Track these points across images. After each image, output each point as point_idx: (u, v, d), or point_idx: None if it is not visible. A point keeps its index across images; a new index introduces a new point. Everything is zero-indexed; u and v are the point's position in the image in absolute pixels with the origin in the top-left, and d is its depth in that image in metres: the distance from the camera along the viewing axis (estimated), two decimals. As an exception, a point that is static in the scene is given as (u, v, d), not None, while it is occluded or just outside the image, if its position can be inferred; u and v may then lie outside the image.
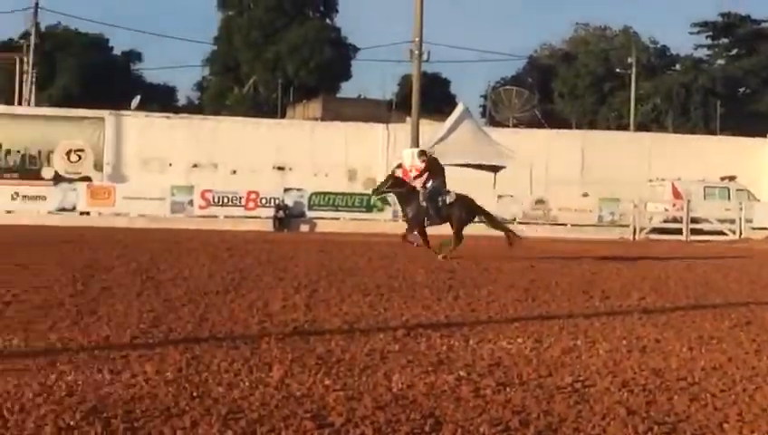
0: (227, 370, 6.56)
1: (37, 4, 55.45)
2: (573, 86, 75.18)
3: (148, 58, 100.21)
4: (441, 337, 8.28)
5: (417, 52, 42.13)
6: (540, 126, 58.52)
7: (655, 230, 37.28)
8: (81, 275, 13.11)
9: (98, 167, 43.01)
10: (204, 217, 37.28)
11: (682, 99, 70.40)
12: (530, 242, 28.20)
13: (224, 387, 6.03)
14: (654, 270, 17.70)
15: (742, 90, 75.05)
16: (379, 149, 45.11)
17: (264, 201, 38.01)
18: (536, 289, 12.92)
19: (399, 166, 20.52)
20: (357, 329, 8.68)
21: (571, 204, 40.06)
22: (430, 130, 41.63)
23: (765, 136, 48.49)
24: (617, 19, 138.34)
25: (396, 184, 20.89)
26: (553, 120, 65.65)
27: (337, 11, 72.75)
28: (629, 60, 65.25)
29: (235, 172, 42.99)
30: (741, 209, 37.83)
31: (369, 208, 38.49)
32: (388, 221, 37.54)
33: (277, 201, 37.43)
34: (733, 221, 37.33)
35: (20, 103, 52.35)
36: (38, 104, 54.68)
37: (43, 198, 37.98)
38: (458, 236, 19.54)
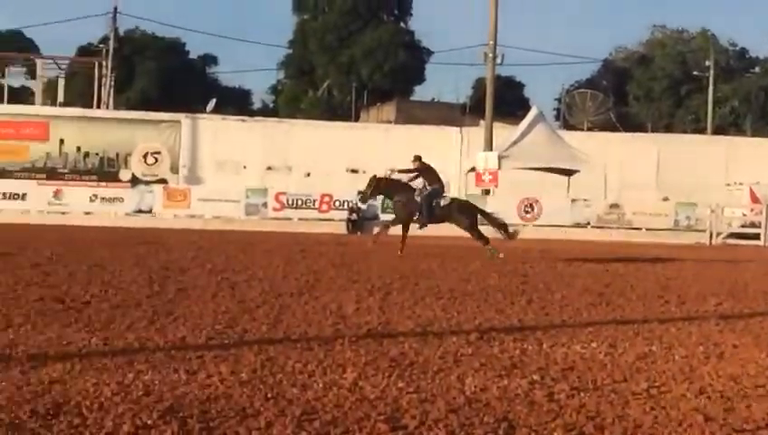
0: (301, 371, 6.60)
1: (116, 9, 56.35)
2: (649, 89, 74.28)
3: (223, 62, 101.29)
4: (514, 341, 8.25)
5: (491, 55, 42.03)
6: (614, 129, 57.97)
7: (732, 235, 36.74)
8: (157, 276, 13.27)
9: (174, 169, 43.51)
10: (278, 219, 37.55)
11: (761, 102, 69.25)
12: (604, 246, 27.99)
13: (298, 388, 6.06)
14: (731, 275, 17.44)
15: (822, 92, 73.55)
16: (453, 153, 45.01)
17: (337, 204, 38.19)
18: (611, 293, 12.80)
19: (374, 177, 20.52)
20: (430, 332, 8.68)
21: (647, 208, 39.63)
22: (504, 134, 41.47)
23: None
24: (694, 21, 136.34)
25: (380, 184, 20.51)
26: (628, 123, 64.96)
27: (411, 14, 72.76)
28: (707, 62, 64.28)
29: (308, 175, 43.17)
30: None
31: (442, 211, 38.35)
32: (462, 224, 37.44)
33: (350, 204, 37.53)
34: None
35: (99, 107, 53.15)
36: (116, 107, 55.50)
37: (121, 199, 38.55)
38: (479, 237, 19.77)
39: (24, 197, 38.29)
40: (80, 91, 61.81)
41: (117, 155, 43.35)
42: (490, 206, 38.40)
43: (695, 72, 70.06)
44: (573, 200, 38.79)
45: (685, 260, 21.92)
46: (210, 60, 78.06)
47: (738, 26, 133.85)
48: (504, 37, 57.08)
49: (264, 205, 38.28)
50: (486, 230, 20.49)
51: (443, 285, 13.10)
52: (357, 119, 63.89)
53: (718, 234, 36.47)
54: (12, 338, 7.56)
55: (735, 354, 7.98)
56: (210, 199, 38.47)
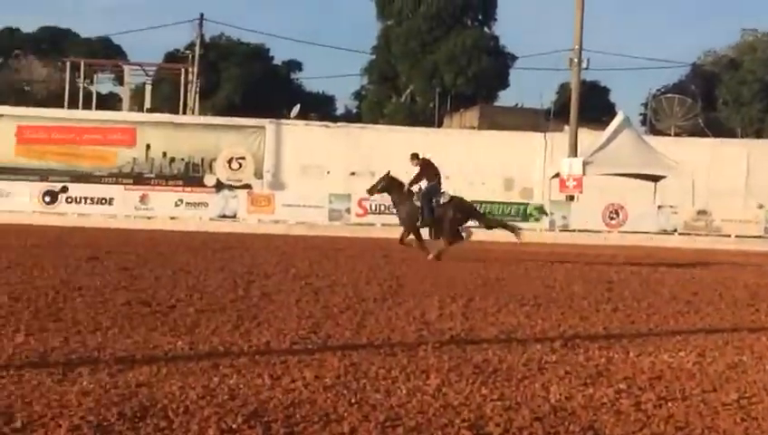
0: (385, 377, 6.58)
1: (202, 15, 57.11)
2: (738, 93, 73.00)
3: (307, 68, 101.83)
4: (599, 349, 8.14)
5: (576, 60, 41.73)
6: (703, 135, 57.09)
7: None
8: (241, 280, 13.36)
9: (258, 174, 43.97)
10: (361, 224, 37.63)
11: None
12: (691, 254, 27.59)
13: (381, 394, 6.05)
14: (823, 284, 17.05)
15: None
16: (537, 158, 44.80)
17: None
18: (699, 301, 12.59)
19: (387, 174, 20.83)
20: (514, 339, 8.61)
21: (736, 215, 38.99)
22: (588, 139, 41.15)
23: None
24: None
25: (390, 185, 20.82)
26: (717, 128, 63.90)
27: (495, 19, 72.46)
28: (799, 66, 63.13)
29: (392, 181, 43.13)
30: None
31: (526, 218, 38.24)
32: (545, 231, 37.30)
33: (434, 210, 37.44)
34: None
35: (184, 112, 53.87)
36: (202, 113, 56.20)
37: (205, 204, 38.97)
38: (451, 234, 19.66)
39: (111, 201, 38.92)
40: (166, 97, 62.70)
41: (202, 160, 43.97)
42: (574, 212, 38.40)
43: (787, 77, 68.66)
44: (660, 207, 38.36)
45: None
46: (294, 66, 78.57)
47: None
48: (589, 41, 56.47)
49: (348, 210, 38.42)
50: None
51: (527, 292, 13.01)
52: (440, 124, 63.81)
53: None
54: (100, 341, 7.66)
55: (829, 365, 7.78)
56: (294, 205, 38.72)
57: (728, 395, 6.40)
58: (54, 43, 75.03)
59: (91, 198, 38.96)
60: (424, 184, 20.35)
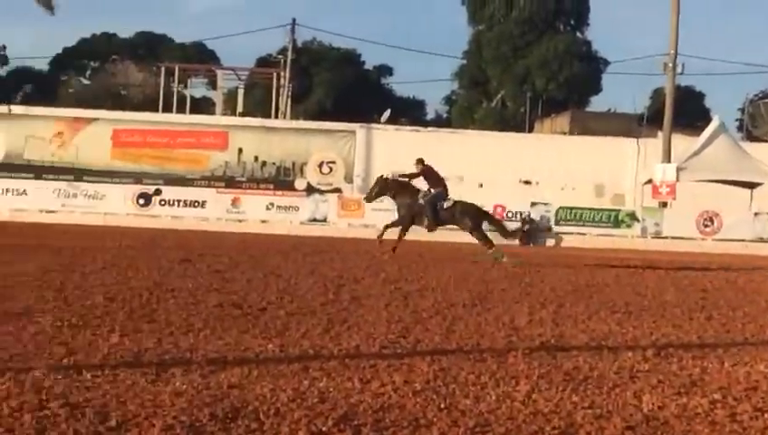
0: (474, 383, 6.56)
1: (294, 20, 57.50)
2: (838, 98, 71.45)
3: (398, 72, 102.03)
4: (693, 358, 8.01)
5: (670, 64, 41.17)
6: (801, 141, 55.88)
7: None
8: (331, 284, 13.43)
9: (348, 179, 44.09)
10: (450, 229, 37.48)
11: None
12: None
13: (471, 399, 6.02)
14: None
15: None
16: (629, 164, 44.24)
17: (510, 215, 37.92)
18: (796, 311, 12.34)
19: (380, 178, 20.97)
20: (605, 346, 8.51)
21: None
22: (683, 145, 40.56)
23: None
24: None
25: (385, 187, 21.19)
26: (817, 135, 62.54)
27: (588, 24, 71.85)
28: None
29: (481, 186, 43.01)
30: None
31: (617, 224, 37.88)
32: (637, 237, 36.87)
33: (523, 215, 37.29)
34: None
35: (276, 117, 54.31)
36: (293, 118, 56.60)
37: (296, 208, 39.24)
38: (483, 239, 20.60)
39: (203, 204, 39.42)
40: (258, 102, 63.28)
41: (293, 164, 44.21)
42: (667, 219, 37.89)
43: None
44: (756, 214, 37.63)
45: None
46: (385, 70, 78.82)
47: None
48: (683, 46, 55.62)
49: (437, 215, 38.32)
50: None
51: (618, 299, 12.86)
52: (531, 130, 63.44)
53: None
54: (192, 342, 7.76)
55: None
56: (383, 209, 38.72)
57: (827, 408, 6.25)
58: (150, 48, 76.43)
59: (184, 201, 39.51)
60: (424, 187, 20.89)
